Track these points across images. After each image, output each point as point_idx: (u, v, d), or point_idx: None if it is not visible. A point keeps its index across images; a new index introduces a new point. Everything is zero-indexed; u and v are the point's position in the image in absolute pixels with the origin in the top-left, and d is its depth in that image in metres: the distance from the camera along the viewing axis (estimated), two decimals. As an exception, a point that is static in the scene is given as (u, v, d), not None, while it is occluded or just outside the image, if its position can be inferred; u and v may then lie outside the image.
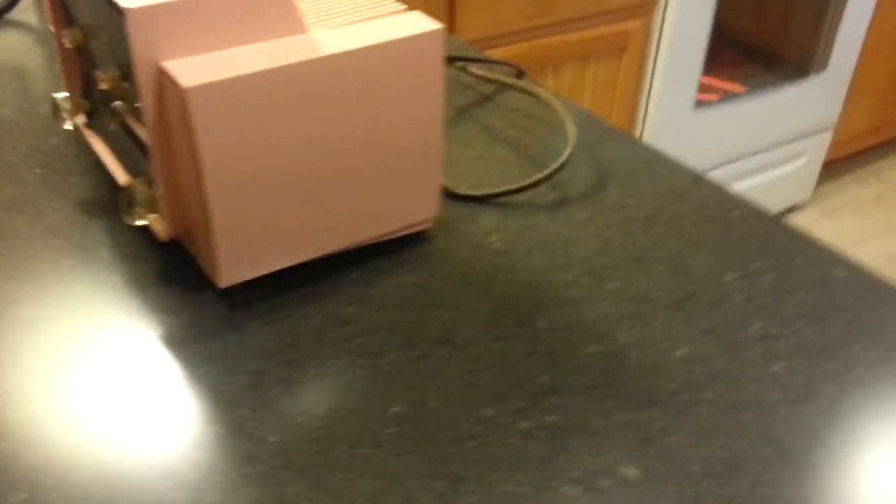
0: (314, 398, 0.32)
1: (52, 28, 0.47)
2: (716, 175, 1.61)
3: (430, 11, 1.03)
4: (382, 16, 0.36)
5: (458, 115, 0.53)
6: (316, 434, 0.31)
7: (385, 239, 0.40)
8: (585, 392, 0.32)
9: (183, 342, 0.35)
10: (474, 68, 0.58)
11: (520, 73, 0.58)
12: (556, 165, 0.45)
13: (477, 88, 0.57)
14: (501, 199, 0.44)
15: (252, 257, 0.35)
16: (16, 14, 0.69)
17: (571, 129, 0.48)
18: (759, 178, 1.71)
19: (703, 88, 1.50)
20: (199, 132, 0.31)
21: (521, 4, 1.09)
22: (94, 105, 0.43)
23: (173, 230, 0.36)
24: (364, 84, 0.34)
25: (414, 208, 0.39)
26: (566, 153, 0.46)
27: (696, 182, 0.46)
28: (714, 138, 1.54)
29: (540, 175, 0.44)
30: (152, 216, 0.36)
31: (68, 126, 0.44)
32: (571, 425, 0.31)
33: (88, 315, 0.36)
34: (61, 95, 0.43)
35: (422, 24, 0.35)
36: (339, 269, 0.39)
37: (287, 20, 0.33)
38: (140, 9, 0.29)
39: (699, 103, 1.48)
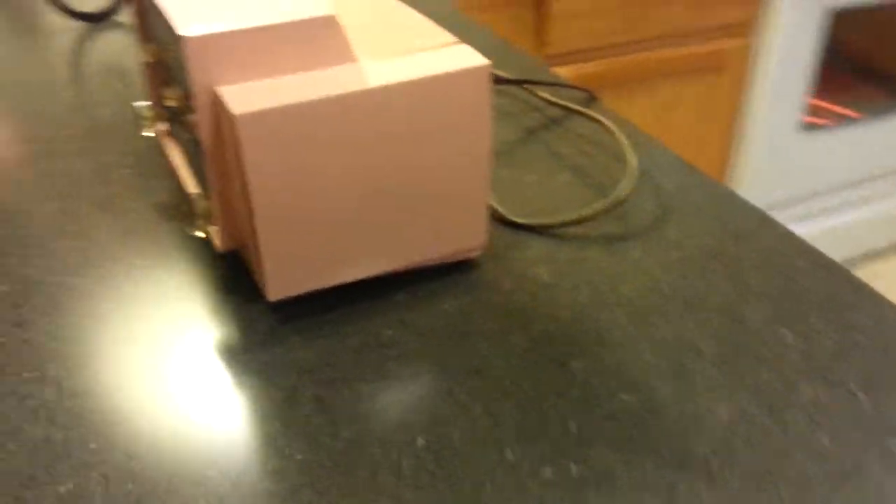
0: (343, 420, 0.33)
1: (137, 39, 0.50)
2: (821, 202, 1.54)
3: (518, 24, 1.03)
4: (432, 48, 0.36)
5: (523, 138, 0.53)
6: (340, 457, 0.31)
7: (432, 264, 0.40)
8: (614, 444, 0.32)
9: (230, 350, 0.36)
10: (542, 91, 0.58)
11: (591, 98, 0.57)
12: (613, 200, 0.44)
13: (546, 111, 0.56)
14: (555, 230, 0.44)
15: (299, 275, 0.36)
16: (122, 16, 0.73)
17: (633, 163, 0.47)
18: (867, 210, 1.61)
19: (813, 111, 1.43)
20: (247, 157, 0.32)
21: (612, 19, 1.07)
22: (172, 115, 0.45)
23: (228, 243, 0.37)
24: (410, 116, 0.34)
25: (460, 237, 0.39)
26: (626, 188, 0.44)
27: (762, 224, 0.44)
28: (822, 164, 1.47)
29: (597, 208, 0.44)
30: (212, 227, 0.38)
31: (148, 133, 0.47)
32: (595, 478, 0.30)
33: (148, 315, 0.38)
34: (143, 104, 0.45)
35: (471, 58, 0.35)
36: (385, 290, 0.39)
37: (337, 50, 0.34)
38: (197, 37, 0.31)
39: (807, 126, 1.42)
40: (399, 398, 0.34)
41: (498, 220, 0.45)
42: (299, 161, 0.33)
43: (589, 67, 1.10)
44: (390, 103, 0.33)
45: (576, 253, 0.42)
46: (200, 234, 0.38)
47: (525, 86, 0.58)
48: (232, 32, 0.31)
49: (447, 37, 0.37)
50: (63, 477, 0.30)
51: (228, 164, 0.34)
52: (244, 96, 0.31)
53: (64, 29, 0.70)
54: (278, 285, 0.36)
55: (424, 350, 0.36)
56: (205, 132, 0.33)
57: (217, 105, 0.32)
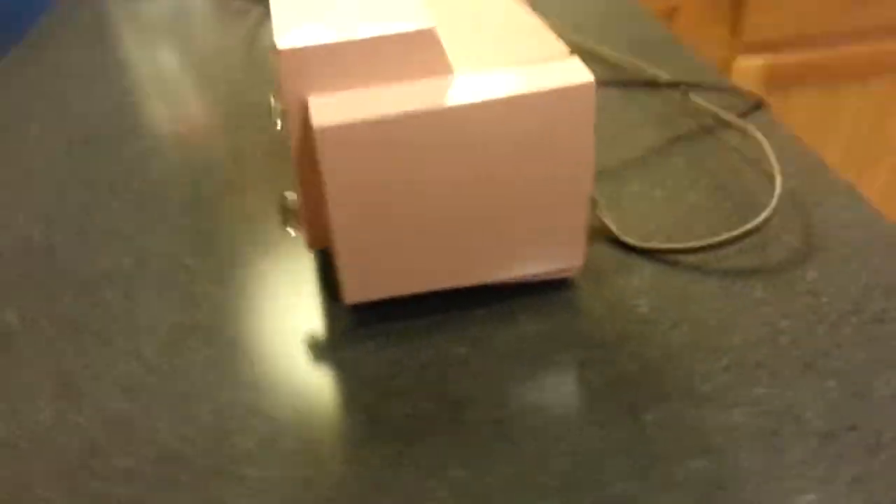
0: (388, 436, 0.32)
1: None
2: None
3: (712, 9, 0.94)
4: (538, 61, 0.33)
5: (664, 147, 0.48)
6: (376, 475, 0.30)
7: (522, 282, 0.38)
8: (668, 515, 0.28)
9: (307, 347, 0.36)
10: (698, 95, 0.52)
11: (759, 104, 0.51)
12: (744, 230, 0.38)
13: (700, 118, 0.51)
14: (669, 256, 0.39)
15: (377, 281, 0.35)
16: None
17: (779, 187, 0.41)
18: None
19: None
20: (326, 168, 0.31)
21: (823, 3, 0.95)
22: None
23: (314, 243, 0.38)
24: (504, 133, 0.32)
25: (554, 258, 0.37)
26: (762, 217, 0.39)
27: (929, 278, 0.36)
28: None
29: (723, 237, 0.39)
30: (301, 227, 0.38)
31: (278, 127, 0.48)
32: (634, 550, 0.27)
33: (246, 301, 0.39)
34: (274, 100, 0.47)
35: (576, 74, 0.32)
36: (467, 303, 0.38)
37: (433, 61, 0.32)
38: (290, 49, 0.31)
39: None
40: (448, 421, 0.32)
41: (608, 238, 0.41)
42: (380, 174, 0.32)
43: (788, 58, 0.98)
44: (482, 120, 0.31)
45: (687, 286, 0.38)
46: (292, 232, 0.38)
47: (681, 89, 0.52)
48: (325, 45, 0.31)
49: (559, 47, 0.34)
50: (123, 454, 0.32)
51: (314, 171, 0.34)
52: (329, 108, 0.31)
53: (247, 10, 0.75)
54: (354, 290, 0.36)
55: (491, 373, 0.34)
56: (294, 139, 0.33)
57: (304, 114, 0.32)
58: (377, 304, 0.38)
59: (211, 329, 0.38)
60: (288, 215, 0.39)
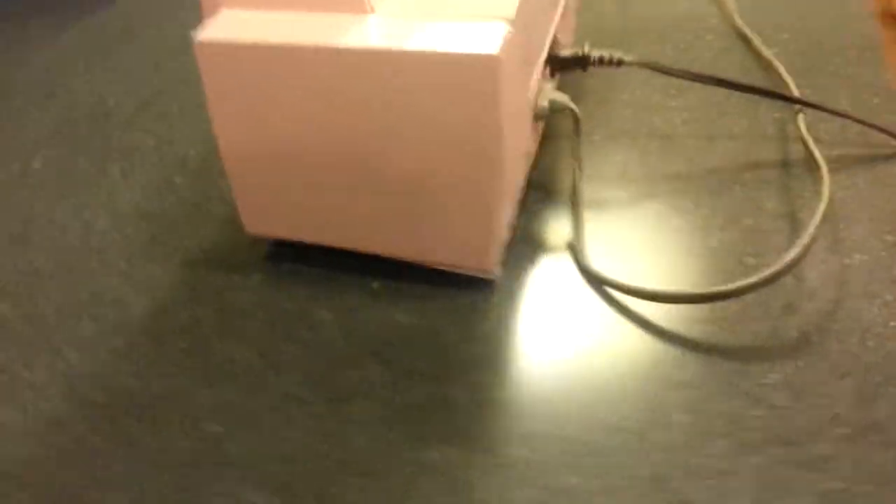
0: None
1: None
2: None
3: None
4: (466, 18, 0.28)
5: (730, 177, 0.39)
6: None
7: (446, 269, 0.33)
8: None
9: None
10: (818, 120, 0.41)
11: None
12: (736, 287, 0.30)
13: (815, 147, 0.40)
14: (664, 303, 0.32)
15: (275, 219, 0.34)
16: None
17: (806, 239, 0.30)
18: None
19: None
20: (206, 84, 0.30)
21: None
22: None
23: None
24: (395, 91, 0.28)
25: (462, 251, 0.32)
26: (769, 271, 0.30)
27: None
28: None
29: (703, 291, 0.30)
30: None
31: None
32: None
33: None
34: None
35: (483, 43, 0.26)
36: (395, 276, 0.35)
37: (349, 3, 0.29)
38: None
39: None
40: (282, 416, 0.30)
41: (576, 261, 0.34)
42: (264, 104, 0.30)
43: None
44: (367, 68, 0.28)
45: (640, 339, 0.30)
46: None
47: (799, 108, 0.41)
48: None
49: (502, 9, 0.28)
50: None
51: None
52: (225, 23, 0.30)
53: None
54: (252, 221, 0.34)
55: (320, 348, 0.31)
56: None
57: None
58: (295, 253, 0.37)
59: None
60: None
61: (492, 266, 0.32)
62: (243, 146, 0.32)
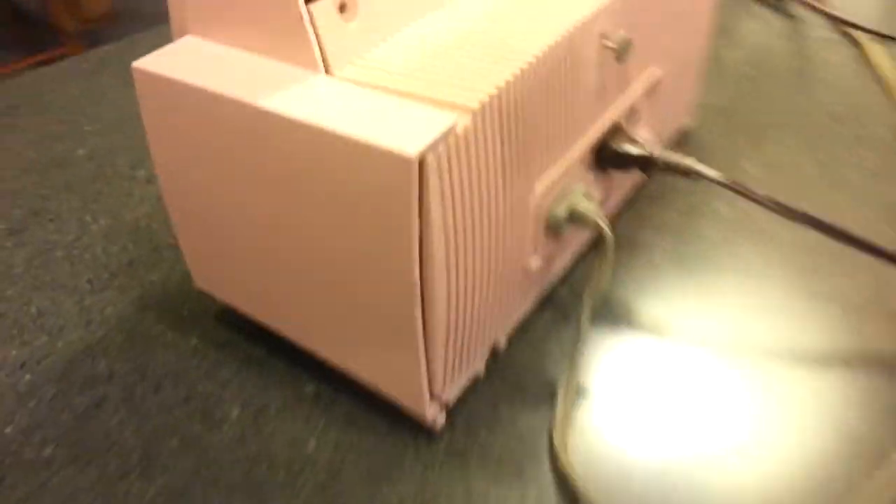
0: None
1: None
2: None
3: None
4: (422, 99, 0.21)
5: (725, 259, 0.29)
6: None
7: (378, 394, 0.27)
8: None
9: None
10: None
11: None
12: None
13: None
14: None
15: (220, 280, 0.29)
16: None
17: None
18: None
19: None
20: (143, 114, 0.26)
21: None
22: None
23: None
24: (306, 167, 0.22)
25: (391, 379, 0.25)
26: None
27: None
28: None
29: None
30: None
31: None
32: None
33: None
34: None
35: (408, 140, 0.20)
36: (337, 383, 0.29)
37: (299, 49, 0.23)
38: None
39: None
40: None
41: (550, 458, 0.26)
42: (196, 147, 0.25)
43: None
44: (284, 138, 0.22)
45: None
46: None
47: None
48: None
49: (471, 94, 0.21)
50: None
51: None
52: (174, 53, 0.25)
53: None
54: (199, 274, 0.30)
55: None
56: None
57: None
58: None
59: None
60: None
61: (424, 411, 0.25)
62: (180, 186, 0.27)
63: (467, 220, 0.22)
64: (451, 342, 0.24)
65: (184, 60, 0.25)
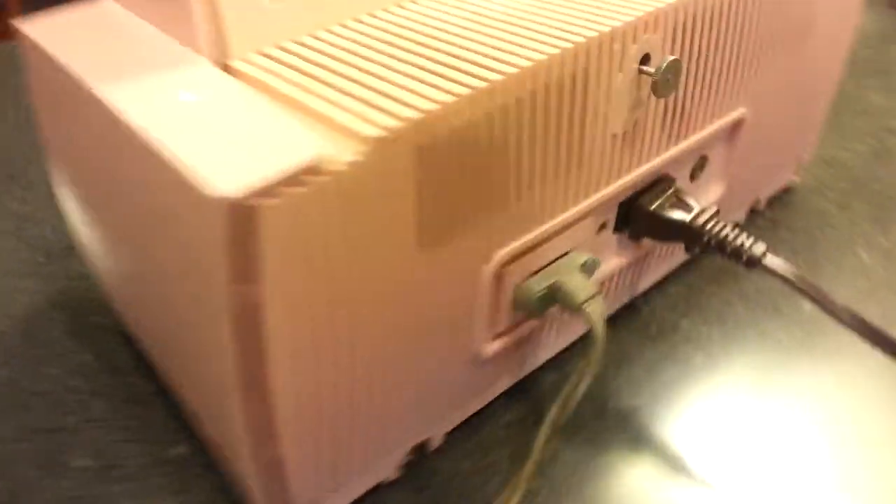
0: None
1: None
2: None
3: None
4: (309, 112, 0.15)
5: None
6: None
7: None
8: None
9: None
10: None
11: None
12: None
13: None
14: None
15: (109, 286, 0.24)
16: None
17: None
18: None
19: None
20: (30, 82, 0.21)
21: None
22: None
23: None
24: (137, 182, 0.16)
25: (246, 476, 0.19)
26: None
27: None
28: None
29: None
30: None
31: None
32: None
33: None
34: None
35: (244, 176, 0.13)
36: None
37: (183, 26, 0.17)
38: None
39: None
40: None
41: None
42: (70, 127, 0.20)
43: None
44: (126, 144, 0.16)
45: None
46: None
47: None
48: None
49: (370, 116, 0.15)
50: None
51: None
52: (66, 20, 0.20)
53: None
54: (101, 277, 0.25)
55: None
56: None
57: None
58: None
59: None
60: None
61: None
62: (62, 164, 0.22)
63: (344, 290, 0.15)
64: (313, 440, 0.18)
65: (70, 29, 0.19)
